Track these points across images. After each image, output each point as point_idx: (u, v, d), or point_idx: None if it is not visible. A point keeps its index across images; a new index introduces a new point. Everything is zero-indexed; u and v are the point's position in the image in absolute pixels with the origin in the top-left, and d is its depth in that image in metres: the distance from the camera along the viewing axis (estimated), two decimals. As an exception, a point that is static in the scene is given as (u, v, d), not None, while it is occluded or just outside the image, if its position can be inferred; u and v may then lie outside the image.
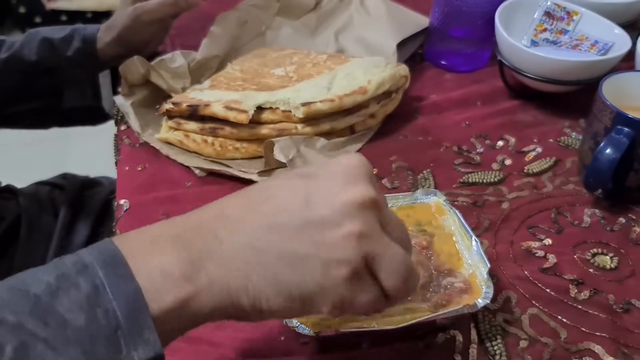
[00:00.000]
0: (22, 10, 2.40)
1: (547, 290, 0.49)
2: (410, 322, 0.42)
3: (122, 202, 0.60)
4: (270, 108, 0.62)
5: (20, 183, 0.87)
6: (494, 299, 0.47)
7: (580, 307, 0.48)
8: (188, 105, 0.64)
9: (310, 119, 0.62)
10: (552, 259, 0.52)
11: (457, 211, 0.51)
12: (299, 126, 0.62)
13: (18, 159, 1.78)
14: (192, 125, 0.64)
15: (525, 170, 0.62)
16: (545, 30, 0.72)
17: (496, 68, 0.73)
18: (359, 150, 0.65)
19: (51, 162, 1.60)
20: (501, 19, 0.69)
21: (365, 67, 0.67)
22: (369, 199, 0.33)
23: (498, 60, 0.71)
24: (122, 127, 0.71)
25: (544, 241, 0.54)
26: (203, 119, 0.64)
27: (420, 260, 0.48)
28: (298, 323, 0.43)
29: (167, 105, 0.65)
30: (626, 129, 0.53)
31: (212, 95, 0.65)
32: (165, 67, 0.70)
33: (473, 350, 0.45)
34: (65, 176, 0.88)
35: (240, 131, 0.63)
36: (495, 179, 0.60)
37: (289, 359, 0.45)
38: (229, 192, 0.37)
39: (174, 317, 0.31)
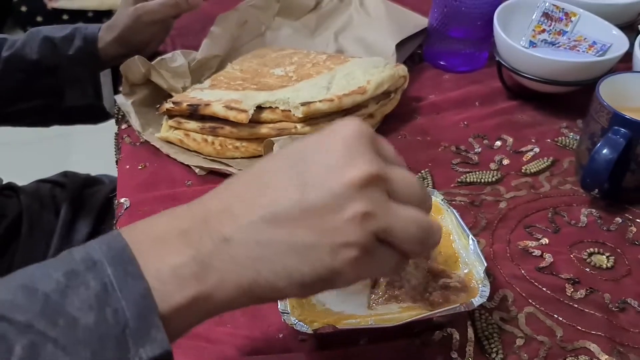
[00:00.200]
0: (23, 9, 2.40)
1: (544, 289, 0.50)
2: (407, 320, 0.43)
3: (122, 200, 0.60)
4: (270, 107, 0.63)
5: (21, 181, 0.87)
6: (490, 298, 0.48)
7: (576, 306, 0.48)
8: (188, 105, 0.64)
9: (310, 119, 0.62)
10: (548, 258, 0.52)
11: (454, 210, 0.52)
12: (299, 126, 0.62)
13: (19, 157, 1.78)
14: (192, 124, 0.65)
15: (522, 170, 0.62)
16: (543, 31, 0.72)
17: (494, 69, 0.73)
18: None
19: (52, 160, 1.60)
20: (500, 19, 0.70)
21: (365, 67, 0.67)
22: (370, 176, 0.31)
23: (496, 60, 0.71)
24: (123, 126, 0.71)
25: (540, 240, 0.54)
26: (203, 118, 0.64)
27: (417, 261, 0.48)
28: (296, 320, 0.43)
29: (168, 105, 0.66)
30: (623, 129, 0.53)
31: (212, 95, 0.66)
32: (166, 67, 0.71)
33: (470, 348, 0.45)
34: (66, 174, 0.89)
35: (240, 130, 0.63)
36: (493, 179, 0.61)
37: (287, 355, 0.45)
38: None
39: (184, 315, 0.31)
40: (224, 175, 0.62)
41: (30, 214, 0.79)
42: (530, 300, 0.49)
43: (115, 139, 0.71)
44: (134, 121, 0.68)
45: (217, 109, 0.63)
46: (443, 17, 0.75)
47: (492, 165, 0.63)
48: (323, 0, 0.87)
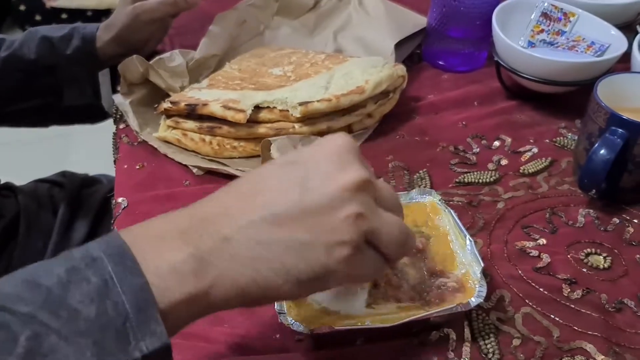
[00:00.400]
0: (22, 8, 2.40)
1: (541, 289, 0.50)
2: (404, 320, 0.43)
3: (120, 200, 0.60)
4: (268, 107, 0.63)
5: (19, 181, 0.87)
6: (487, 298, 0.48)
7: (573, 306, 0.48)
8: (186, 105, 0.64)
9: (308, 119, 0.63)
10: (546, 258, 0.52)
11: (451, 211, 0.52)
12: (297, 125, 0.62)
13: (18, 157, 1.78)
14: (190, 124, 0.65)
15: (520, 171, 0.62)
16: (542, 31, 0.72)
17: (493, 68, 0.73)
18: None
19: (51, 160, 1.60)
20: (498, 19, 0.70)
21: (363, 67, 0.67)
22: (362, 180, 0.35)
23: (495, 60, 0.71)
24: (121, 126, 0.71)
25: (538, 241, 0.54)
26: (201, 117, 0.64)
27: (414, 261, 0.48)
28: (293, 321, 0.43)
29: (166, 104, 0.66)
30: (620, 130, 0.53)
31: (210, 95, 0.66)
32: (164, 66, 0.71)
33: (466, 349, 0.45)
34: (64, 174, 0.89)
35: (237, 130, 0.63)
36: (491, 179, 0.61)
37: (284, 355, 0.45)
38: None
39: (183, 310, 0.32)
40: (222, 175, 0.62)
41: (28, 214, 0.79)
42: (527, 301, 0.49)
43: (113, 138, 0.71)
44: (132, 121, 0.68)
45: (215, 109, 0.63)
46: (442, 17, 0.75)
47: (490, 166, 0.63)
48: (322, 0, 0.87)
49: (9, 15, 2.47)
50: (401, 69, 0.69)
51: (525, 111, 0.71)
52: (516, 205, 0.58)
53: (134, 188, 0.62)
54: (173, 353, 0.32)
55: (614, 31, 0.69)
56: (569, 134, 0.67)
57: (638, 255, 0.53)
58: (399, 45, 0.75)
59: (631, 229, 0.55)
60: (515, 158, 0.64)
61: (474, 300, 0.44)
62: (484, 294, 0.45)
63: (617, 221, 0.56)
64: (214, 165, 0.63)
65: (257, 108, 0.63)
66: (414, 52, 0.80)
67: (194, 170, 0.63)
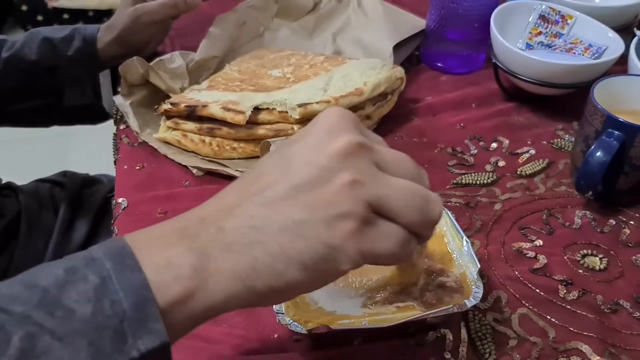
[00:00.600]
0: (24, 8, 2.41)
1: (537, 290, 0.50)
2: (401, 321, 0.43)
3: (120, 200, 0.61)
4: (267, 109, 0.63)
5: (20, 180, 0.88)
6: (484, 299, 0.48)
7: (569, 307, 0.49)
8: (186, 106, 0.65)
9: (307, 120, 0.63)
10: (542, 259, 0.53)
11: (448, 212, 0.52)
12: (296, 127, 0.63)
13: (19, 157, 1.79)
14: (190, 125, 0.65)
15: (518, 172, 0.62)
16: (540, 33, 0.73)
17: (491, 70, 0.73)
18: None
19: (51, 160, 1.61)
20: (496, 22, 0.70)
21: (362, 69, 0.68)
22: (352, 144, 0.32)
23: (493, 62, 0.71)
24: (121, 127, 0.72)
25: (535, 242, 0.55)
26: (201, 119, 0.65)
27: (414, 259, 0.49)
28: (291, 321, 0.44)
29: (166, 106, 0.66)
30: (617, 132, 0.53)
31: (210, 96, 0.66)
32: (164, 68, 0.71)
33: (463, 349, 0.45)
34: (65, 174, 0.89)
35: (237, 131, 0.63)
36: (489, 180, 0.61)
37: (282, 355, 0.45)
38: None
39: (183, 309, 0.31)
40: (222, 176, 0.63)
41: (29, 214, 0.79)
42: (523, 302, 0.49)
43: (113, 139, 0.72)
44: (132, 122, 0.68)
45: (215, 110, 0.63)
46: (440, 19, 0.75)
47: (488, 167, 0.63)
48: (321, 2, 0.87)
49: (10, 15, 2.48)
50: (399, 71, 0.70)
51: (523, 113, 0.71)
52: (513, 207, 0.58)
53: (134, 188, 0.62)
54: (172, 353, 0.31)
55: (612, 34, 0.70)
56: (566, 136, 0.67)
57: (634, 257, 0.53)
58: (397, 47, 0.75)
59: (627, 231, 0.56)
60: (512, 160, 0.64)
61: (470, 301, 0.45)
62: (480, 295, 0.45)
63: (614, 223, 0.57)
64: (213, 166, 0.63)
65: (257, 109, 0.63)
66: (413, 54, 0.81)
67: (194, 171, 0.64)
